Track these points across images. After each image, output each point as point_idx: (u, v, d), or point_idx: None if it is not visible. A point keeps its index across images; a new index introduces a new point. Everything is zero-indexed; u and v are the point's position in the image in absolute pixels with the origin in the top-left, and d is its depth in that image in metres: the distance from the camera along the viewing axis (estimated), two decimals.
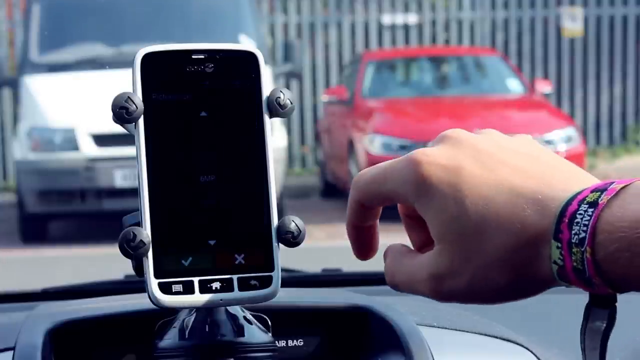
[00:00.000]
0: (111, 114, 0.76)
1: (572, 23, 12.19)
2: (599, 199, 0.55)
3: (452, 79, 9.84)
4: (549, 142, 8.06)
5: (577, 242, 0.55)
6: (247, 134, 0.78)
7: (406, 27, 12.30)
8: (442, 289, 0.61)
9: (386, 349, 1.00)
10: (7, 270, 6.34)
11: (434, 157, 0.61)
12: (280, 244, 0.78)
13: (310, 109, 11.96)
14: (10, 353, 0.96)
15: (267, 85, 0.79)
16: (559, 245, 0.56)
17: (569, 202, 0.56)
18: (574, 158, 8.13)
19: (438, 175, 0.60)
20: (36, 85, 7.76)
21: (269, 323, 0.87)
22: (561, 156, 0.63)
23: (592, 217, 0.55)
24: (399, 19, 12.25)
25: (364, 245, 0.69)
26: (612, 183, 0.56)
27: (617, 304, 0.58)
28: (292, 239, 0.78)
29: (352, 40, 12.27)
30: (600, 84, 12.47)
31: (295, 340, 1.03)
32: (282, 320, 0.97)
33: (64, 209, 7.52)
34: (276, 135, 7.85)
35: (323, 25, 12.26)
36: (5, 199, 9.87)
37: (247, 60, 0.79)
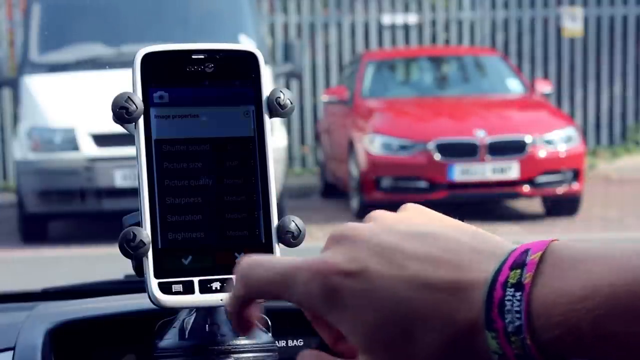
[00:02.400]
0: (111, 114, 0.76)
1: (572, 23, 12.19)
2: (522, 279, 0.52)
3: (452, 79, 9.83)
4: (549, 142, 8.06)
5: (513, 331, 0.52)
6: (247, 134, 0.78)
7: (406, 27, 12.30)
8: None
9: None
10: (7, 270, 6.34)
11: (337, 266, 0.56)
12: (280, 244, 0.78)
13: (310, 109, 11.96)
14: (10, 353, 0.96)
15: (267, 85, 0.79)
16: (494, 335, 0.52)
17: (492, 287, 0.53)
18: (574, 158, 8.14)
19: (347, 285, 0.55)
20: (36, 85, 7.76)
21: (269, 323, 0.87)
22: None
23: (523, 302, 0.52)
24: (399, 19, 12.25)
25: (245, 323, 0.63)
26: (528, 251, 0.53)
27: None
28: (292, 239, 0.78)
29: (352, 40, 12.27)
30: (600, 84, 12.47)
31: (295, 340, 1.03)
32: (282, 320, 0.97)
33: (64, 209, 7.53)
34: (276, 135, 7.85)
35: (323, 25, 12.26)
36: (5, 199, 9.87)
37: (247, 60, 0.79)
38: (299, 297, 0.57)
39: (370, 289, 0.55)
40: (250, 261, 0.60)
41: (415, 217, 0.60)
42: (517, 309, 0.52)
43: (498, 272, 0.53)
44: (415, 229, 0.57)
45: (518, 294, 0.52)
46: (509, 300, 0.52)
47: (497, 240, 0.56)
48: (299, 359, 0.61)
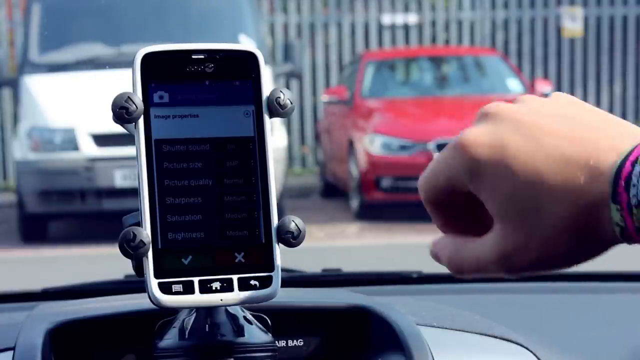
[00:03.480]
0: (111, 114, 0.76)
1: (572, 23, 12.19)
2: None
3: (452, 79, 9.83)
4: None
5: (636, 203, 0.56)
6: (247, 134, 0.78)
7: (406, 27, 12.30)
8: (513, 266, 0.62)
9: (386, 349, 1.00)
10: (7, 270, 6.34)
11: (479, 138, 0.61)
12: (280, 244, 0.78)
13: (310, 109, 11.96)
14: (10, 353, 0.96)
15: (267, 85, 0.79)
16: (619, 207, 0.57)
17: (622, 164, 0.57)
18: None
19: (486, 156, 0.61)
20: (36, 85, 7.76)
21: (269, 323, 0.87)
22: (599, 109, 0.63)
23: None
24: (399, 19, 12.25)
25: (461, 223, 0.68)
26: None
27: None
28: (292, 239, 0.78)
29: (352, 40, 12.27)
30: (600, 84, 12.48)
31: (295, 340, 1.03)
32: (282, 320, 0.97)
33: (64, 209, 7.52)
34: (276, 135, 7.85)
35: (323, 25, 12.26)
36: (5, 199, 9.87)
37: (247, 60, 0.79)
38: (448, 173, 0.63)
39: (508, 160, 0.60)
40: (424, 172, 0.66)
41: (563, 103, 0.64)
42: None
43: (630, 152, 0.57)
44: (556, 110, 0.62)
45: None
46: (635, 176, 0.56)
47: (633, 127, 0.61)
48: (433, 247, 0.67)
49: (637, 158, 0.57)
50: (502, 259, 0.62)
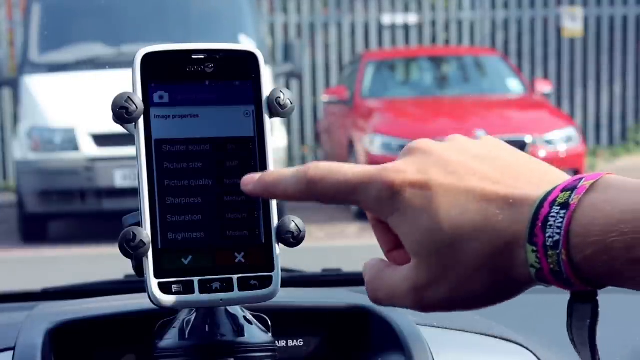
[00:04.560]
0: (111, 114, 0.76)
1: (572, 23, 12.18)
2: (570, 200, 0.56)
3: (452, 79, 9.83)
4: (549, 142, 8.06)
5: (551, 245, 0.55)
6: (247, 134, 0.78)
7: (406, 27, 12.29)
8: (424, 301, 0.61)
9: (386, 349, 1.00)
10: (7, 270, 6.33)
11: (405, 174, 0.61)
12: (280, 244, 0.78)
13: (310, 109, 11.96)
14: (10, 353, 0.96)
15: (267, 85, 0.79)
16: (535, 249, 0.56)
17: (540, 205, 0.57)
18: (574, 158, 8.14)
19: (410, 192, 0.61)
20: (36, 85, 7.76)
21: (269, 323, 0.87)
22: (535, 155, 0.63)
23: (565, 220, 0.55)
24: (399, 19, 12.25)
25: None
26: (582, 179, 0.57)
27: (598, 298, 0.58)
28: (292, 239, 0.78)
29: (352, 40, 12.27)
30: (600, 84, 12.47)
31: (295, 340, 1.03)
32: (282, 320, 0.97)
33: (64, 209, 7.52)
34: (276, 135, 7.85)
35: (323, 25, 12.25)
36: (5, 199, 9.87)
37: (247, 60, 0.79)
38: (365, 200, 0.63)
39: (430, 197, 0.60)
40: (322, 167, 0.64)
41: (490, 146, 0.64)
42: (559, 225, 0.55)
43: (550, 192, 0.57)
44: (482, 151, 0.63)
45: (563, 212, 0.55)
46: (553, 217, 0.56)
47: (558, 171, 0.61)
48: (364, 267, 0.67)
49: (555, 199, 0.56)
50: (413, 293, 0.61)
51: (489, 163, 0.61)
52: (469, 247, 0.58)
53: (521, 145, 7.89)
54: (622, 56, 12.47)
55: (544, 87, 9.38)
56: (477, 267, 0.58)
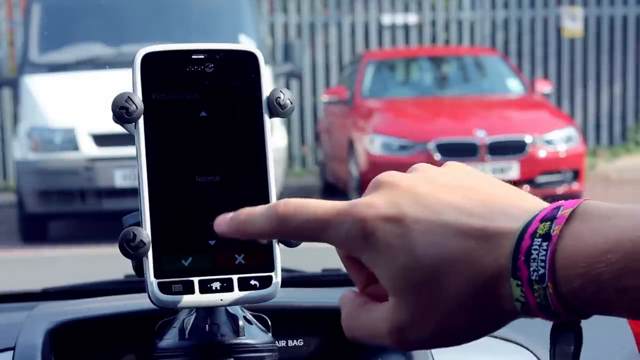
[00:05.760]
0: (111, 114, 0.76)
1: (572, 23, 12.18)
2: (551, 231, 0.54)
3: (452, 79, 9.83)
4: (549, 142, 8.06)
5: (537, 279, 0.54)
6: (247, 134, 0.78)
7: (406, 27, 12.29)
8: (407, 341, 0.59)
9: (386, 349, 1.00)
10: (7, 270, 6.33)
11: (377, 209, 0.58)
12: (280, 244, 0.78)
13: (310, 109, 11.96)
14: (10, 353, 0.96)
15: (267, 85, 0.79)
16: (519, 283, 0.54)
17: (520, 237, 0.55)
18: (574, 158, 8.14)
19: (384, 229, 0.58)
20: (36, 85, 7.76)
21: (269, 323, 0.87)
22: (504, 183, 0.60)
23: (548, 252, 0.53)
24: (399, 19, 12.25)
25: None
26: (560, 208, 0.55)
27: (581, 325, 0.57)
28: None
29: (352, 40, 12.27)
30: (600, 84, 12.47)
31: (295, 340, 1.03)
32: (282, 320, 0.97)
33: (64, 209, 7.52)
34: (276, 135, 7.85)
35: (323, 25, 12.25)
36: (5, 199, 9.87)
37: (247, 60, 0.79)
38: (337, 238, 0.60)
39: (405, 233, 0.57)
40: (291, 204, 0.62)
41: (456, 173, 0.62)
42: (543, 258, 0.53)
43: (529, 224, 0.55)
44: (453, 181, 0.60)
45: (545, 244, 0.54)
46: (535, 249, 0.54)
47: (532, 198, 0.58)
48: (340, 299, 0.65)
49: (535, 230, 0.54)
50: (396, 333, 0.59)
51: (460, 192, 0.59)
52: (450, 284, 0.56)
53: (521, 145, 7.90)
54: (622, 56, 12.47)
55: (544, 87, 9.38)
56: (459, 304, 0.56)
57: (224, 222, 0.67)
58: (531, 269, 0.54)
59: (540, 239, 0.54)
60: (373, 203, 0.59)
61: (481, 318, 0.57)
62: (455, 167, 0.62)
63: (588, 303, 0.53)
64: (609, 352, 1.24)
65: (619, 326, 1.34)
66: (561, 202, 0.56)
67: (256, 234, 0.64)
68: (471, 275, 0.56)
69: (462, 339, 0.59)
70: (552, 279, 0.53)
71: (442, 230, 0.57)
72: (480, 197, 0.58)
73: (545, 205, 0.57)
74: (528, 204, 0.57)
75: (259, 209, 0.64)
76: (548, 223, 0.54)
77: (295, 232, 0.62)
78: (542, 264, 0.53)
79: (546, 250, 0.53)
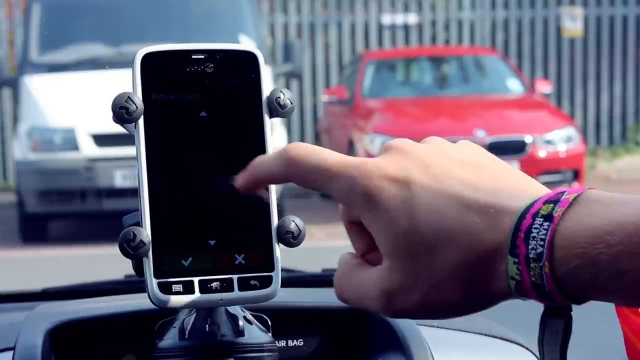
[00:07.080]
0: (111, 114, 0.76)
1: (572, 23, 12.19)
2: (553, 212, 0.54)
3: (452, 79, 9.84)
4: (549, 142, 8.06)
5: (534, 257, 0.54)
6: (247, 134, 0.78)
7: (406, 27, 12.29)
8: (394, 306, 0.59)
9: (386, 349, 1.00)
10: (7, 270, 6.34)
11: (385, 170, 0.59)
12: (280, 244, 0.78)
13: (310, 109, 11.96)
14: (10, 353, 0.96)
15: (267, 85, 0.79)
16: (516, 260, 0.54)
17: (522, 216, 0.55)
18: (574, 158, 8.14)
19: (389, 189, 0.58)
20: (36, 85, 7.76)
21: (269, 323, 0.87)
22: (514, 167, 0.62)
23: (549, 231, 0.54)
24: (399, 19, 12.25)
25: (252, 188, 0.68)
26: (564, 193, 0.55)
27: (572, 313, 0.57)
28: (292, 239, 0.78)
29: (352, 40, 12.27)
30: (600, 84, 12.47)
31: (295, 340, 1.03)
32: (282, 320, 0.97)
33: (64, 209, 7.53)
34: (276, 135, 7.85)
35: (323, 25, 12.26)
36: (5, 199, 9.87)
37: (247, 60, 0.79)
38: (342, 193, 0.60)
39: (410, 197, 0.58)
40: (302, 148, 0.62)
41: (468, 150, 0.62)
42: (542, 237, 0.54)
43: (532, 204, 0.56)
44: (464, 157, 0.61)
45: (546, 223, 0.54)
46: (536, 228, 0.54)
47: (538, 184, 0.59)
48: (339, 261, 0.64)
49: (538, 210, 0.55)
50: (383, 297, 0.59)
51: (469, 168, 0.59)
52: (447, 254, 0.56)
53: (521, 145, 7.90)
54: (622, 56, 12.47)
55: (544, 87, 9.39)
56: (453, 275, 0.57)
57: (241, 175, 0.68)
58: (530, 246, 0.54)
59: (541, 219, 0.54)
60: (382, 163, 0.60)
61: (472, 293, 0.57)
62: (468, 145, 0.63)
63: (583, 285, 0.53)
64: (610, 351, 1.24)
65: (619, 326, 1.34)
66: (566, 187, 0.57)
67: (266, 175, 0.65)
68: (469, 248, 0.56)
69: (447, 312, 0.59)
70: (550, 259, 0.53)
71: (446, 201, 0.57)
72: (489, 174, 0.59)
73: (549, 190, 0.58)
74: (534, 188, 0.58)
75: (271, 153, 0.65)
76: (551, 205, 0.55)
77: (303, 176, 0.62)
78: (542, 243, 0.54)
79: (547, 229, 0.54)
